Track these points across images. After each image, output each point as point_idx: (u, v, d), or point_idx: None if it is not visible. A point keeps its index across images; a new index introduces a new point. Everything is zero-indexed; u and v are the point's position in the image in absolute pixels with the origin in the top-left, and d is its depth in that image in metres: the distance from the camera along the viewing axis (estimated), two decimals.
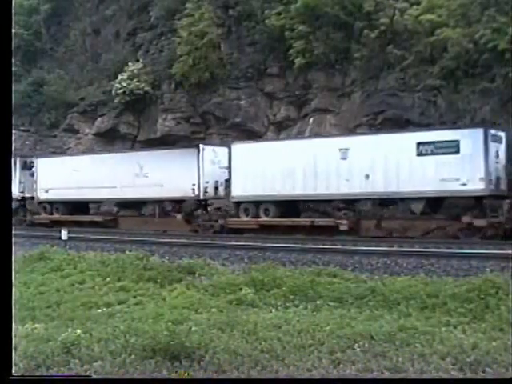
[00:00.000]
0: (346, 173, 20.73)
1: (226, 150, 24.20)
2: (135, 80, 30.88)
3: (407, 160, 19.64)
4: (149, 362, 6.26)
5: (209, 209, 26.02)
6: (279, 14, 26.78)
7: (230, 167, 23.44)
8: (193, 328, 7.36)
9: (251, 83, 28.39)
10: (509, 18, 20.35)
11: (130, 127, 32.50)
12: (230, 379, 5.89)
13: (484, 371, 5.91)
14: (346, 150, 20.83)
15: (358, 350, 6.66)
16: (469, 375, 5.85)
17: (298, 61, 25.76)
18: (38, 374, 6.07)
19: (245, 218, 23.14)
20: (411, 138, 19.99)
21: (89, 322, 8.47)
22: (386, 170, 20.04)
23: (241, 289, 10.49)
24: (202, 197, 24.48)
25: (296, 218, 22.61)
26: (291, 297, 9.84)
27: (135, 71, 31.13)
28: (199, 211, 25.13)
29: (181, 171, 24.56)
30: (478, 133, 18.95)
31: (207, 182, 24.42)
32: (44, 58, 38.57)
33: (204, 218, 24.72)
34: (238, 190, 23.14)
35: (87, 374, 5.99)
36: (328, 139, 22.86)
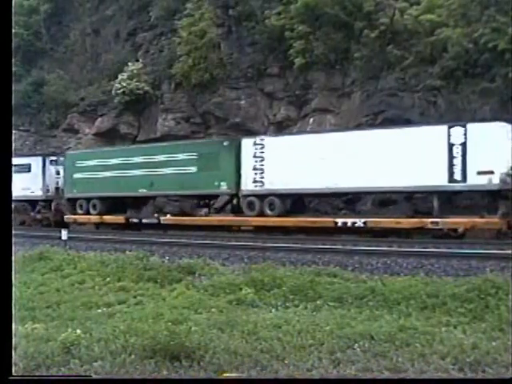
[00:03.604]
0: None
1: None
2: (135, 80, 30.84)
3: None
4: (149, 362, 6.25)
5: None
6: (279, 13, 26.70)
7: None
8: (193, 328, 7.35)
9: (251, 83, 28.31)
10: (509, 18, 20.29)
11: (130, 127, 32.47)
12: (230, 379, 5.88)
13: (484, 371, 5.90)
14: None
15: (358, 349, 6.65)
16: (469, 375, 5.85)
17: (298, 61, 25.69)
18: (37, 374, 6.07)
19: None
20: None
21: (89, 322, 8.46)
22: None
23: (241, 289, 10.49)
24: None
25: None
26: (291, 297, 9.83)
27: (135, 71, 31.09)
28: None
29: None
30: (39, 159, 29.85)
31: None
32: (44, 58, 38.53)
33: None
34: None
35: (87, 374, 5.99)
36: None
